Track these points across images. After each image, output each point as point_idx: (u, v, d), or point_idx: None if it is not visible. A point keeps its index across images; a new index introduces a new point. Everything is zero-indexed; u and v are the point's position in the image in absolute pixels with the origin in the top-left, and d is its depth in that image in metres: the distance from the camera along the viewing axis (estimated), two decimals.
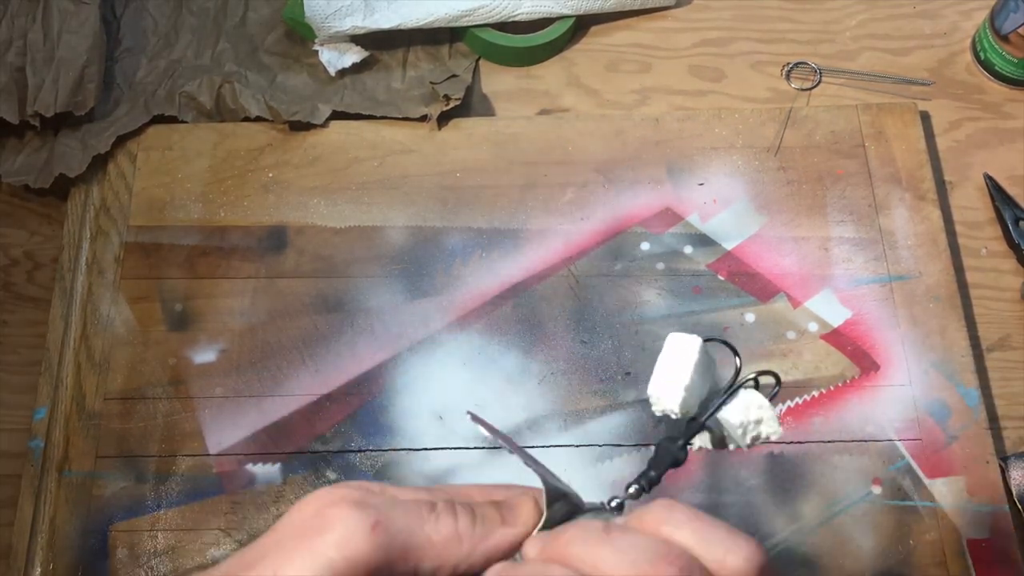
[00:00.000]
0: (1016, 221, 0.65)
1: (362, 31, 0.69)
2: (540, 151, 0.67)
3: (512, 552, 0.32)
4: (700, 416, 0.36)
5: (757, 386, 0.37)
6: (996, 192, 0.66)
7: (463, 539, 0.31)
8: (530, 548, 0.32)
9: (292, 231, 0.65)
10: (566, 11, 0.72)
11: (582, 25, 0.74)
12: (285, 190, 0.66)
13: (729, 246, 0.63)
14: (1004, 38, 0.68)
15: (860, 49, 0.73)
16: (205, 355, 0.61)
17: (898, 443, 0.57)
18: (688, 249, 0.63)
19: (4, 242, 0.68)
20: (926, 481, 0.56)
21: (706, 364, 0.37)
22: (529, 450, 0.37)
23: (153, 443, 0.59)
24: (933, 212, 0.63)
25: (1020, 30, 0.66)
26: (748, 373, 0.37)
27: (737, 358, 0.37)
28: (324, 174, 0.66)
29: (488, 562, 0.32)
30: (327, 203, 0.65)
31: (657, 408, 0.36)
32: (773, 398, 0.37)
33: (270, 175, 0.66)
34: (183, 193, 0.66)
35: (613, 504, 0.33)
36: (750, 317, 0.61)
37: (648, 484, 0.35)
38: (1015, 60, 0.69)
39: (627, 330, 0.61)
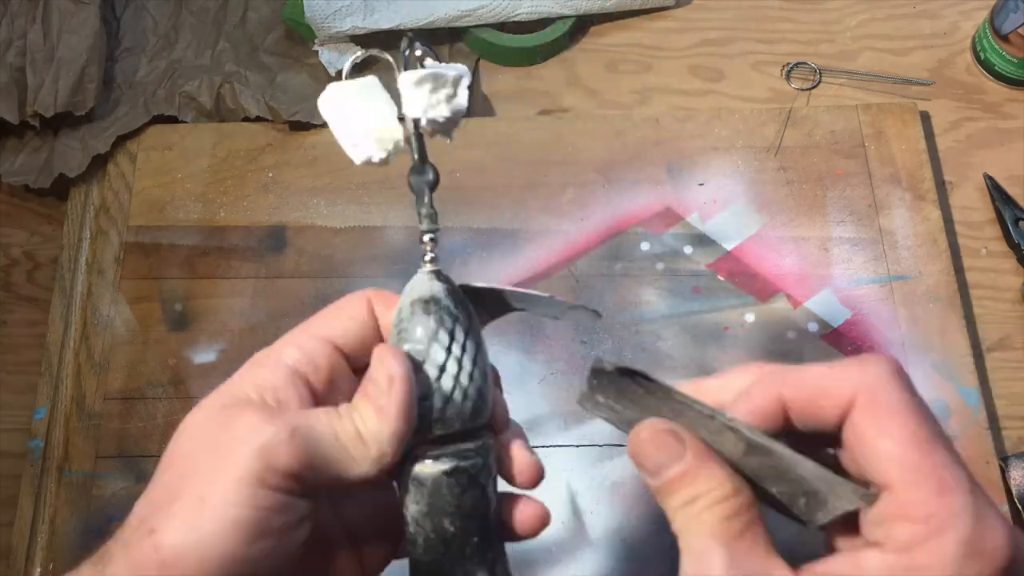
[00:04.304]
0: (1016, 221, 0.65)
1: (362, 31, 0.69)
2: (540, 151, 0.67)
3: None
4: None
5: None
6: (996, 192, 0.66)
7: (367, 440, 0.30)
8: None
9: (292, 231, 0.64)
10: (566, 11, 0.71)
11: (582, 25, 0.74)
12: (285, 190, 0.66)
13: (729, 246, 0.63)
14: (1004, 38, 0.68)
15: (860, 49, 0.73)
16: (205, 355, 0.61)
17: None
18: (688, 249, 0.63)
19: (4, 242, 0.68)
20: None
21: None
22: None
23: (153, 443, 0.59)
24: (933, 212, 0.63)
25: (1020, 30, 0.66)
26: None
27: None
28: (324, 174, 0.66)
29: (396, 449, 0.30)
30: (327, 203, 0.65)
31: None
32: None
33: (270, 175, 0.66)
34: (183, 193, 0.66)
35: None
36: (750, 317, 0.61)
37: None
38: (1015, 60, 0.69)
39: (627, 330, 0.61)
